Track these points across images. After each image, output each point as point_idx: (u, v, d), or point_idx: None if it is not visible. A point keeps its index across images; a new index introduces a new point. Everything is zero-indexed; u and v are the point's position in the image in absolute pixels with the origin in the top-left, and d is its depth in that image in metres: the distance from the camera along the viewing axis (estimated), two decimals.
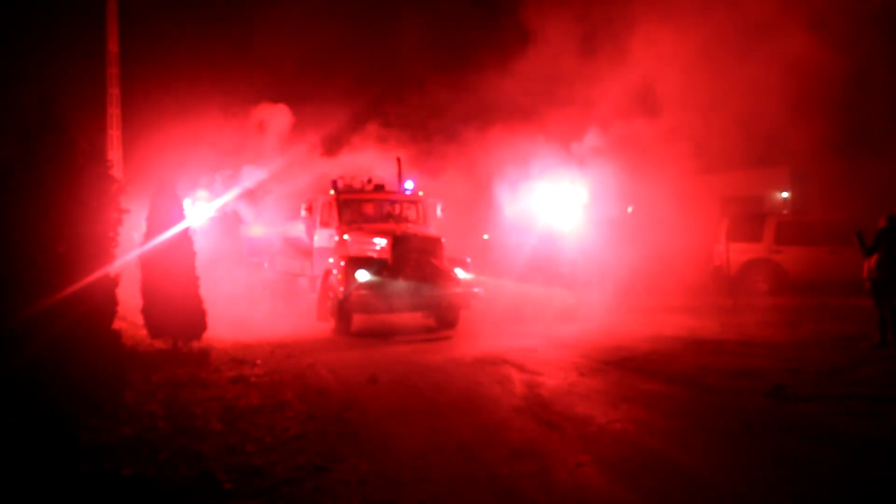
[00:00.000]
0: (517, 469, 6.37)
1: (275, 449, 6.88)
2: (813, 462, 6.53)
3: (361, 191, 17.03)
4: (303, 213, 16.93)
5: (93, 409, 7.29)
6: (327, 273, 15.27)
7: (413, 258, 14.69)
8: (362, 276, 14.28)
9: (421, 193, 17.20)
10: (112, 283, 7.82)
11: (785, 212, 24.69)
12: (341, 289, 14.42)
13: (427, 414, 8.27)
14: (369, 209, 16.83)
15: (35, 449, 6.39)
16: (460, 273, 15.19)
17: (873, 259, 12.04)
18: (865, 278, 12.20)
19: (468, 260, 15.61)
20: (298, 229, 17.65)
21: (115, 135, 20.82)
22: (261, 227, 19.54)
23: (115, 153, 20.29)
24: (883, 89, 16.45)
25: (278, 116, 21.27)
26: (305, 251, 17.25)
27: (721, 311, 16.17)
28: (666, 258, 18.51)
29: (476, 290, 15.40)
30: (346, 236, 15.77)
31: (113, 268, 7.97)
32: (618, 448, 6.95)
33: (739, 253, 19.69)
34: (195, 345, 11.76)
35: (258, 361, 11.27)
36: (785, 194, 27.25)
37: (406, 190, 17.14)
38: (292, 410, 8.28)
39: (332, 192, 16.58)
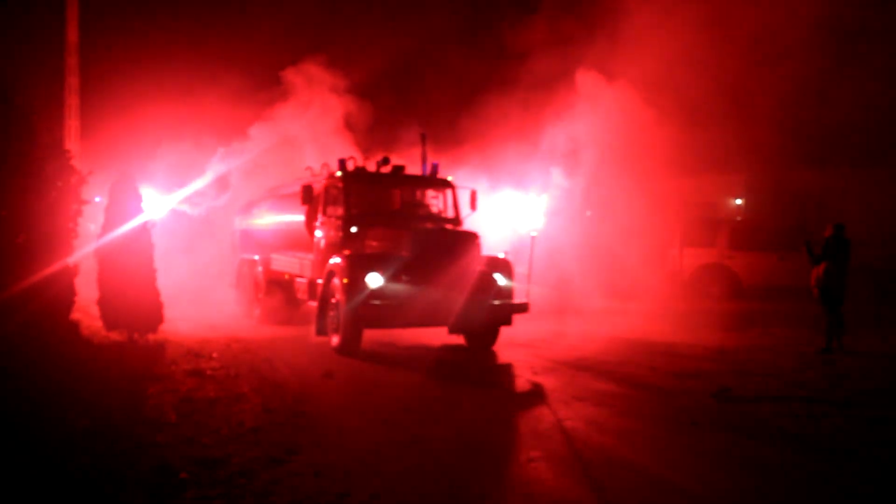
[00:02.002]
0: (470, 463, 6.52)
1: (231, 441, 6.94)
2: (754, 459, 6.77)
3: (376, 173, 13.73)
4: (301, 199, 13.29)
5: (49, 400, 7.29)
6: (330, 275, 12.09)
7: (441, 259, 11.63)
8: (375, 280, 11.35)
9: (451, 178, 14.02)
10: (70, 275, 7.84)
11: (738, 218, 25.15)
12: (348, 296, 11.42)
13: (381, 408, 8.39)
14: (386, 196, 13.87)
15: None
16: (500, 279, 12.23)
17: (821, 267, 12.39)
18: (813, 286, 12.54)
19: (510, 261, 12.60)
20: (297, 221, 14.30)
21: (73, 125, 20.62)
22: (256, 218, 16.93)
23: (73, 144, 20.10)
24: (835, 101, 16.85)
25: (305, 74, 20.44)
26: (304, 247, 14.11)
27: (673, 315, 16.48)
28: (622, 261, 18.79)
29: (521, 301, 12.54)
30: (354, 229, 12.64)
31: (71, 259, 7.98)
32: (568, 444, 7.13)
33: (693, 257, 20.08)
34: (151, 337, 11.76)
35: (214, 355, 11.28)
36: (739, 201, 27.75)
37: (432, 174, 13.91)
38: (248, 403, 8.34)
39: (338, 173, 13.30)
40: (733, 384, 9.66)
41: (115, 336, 11.61)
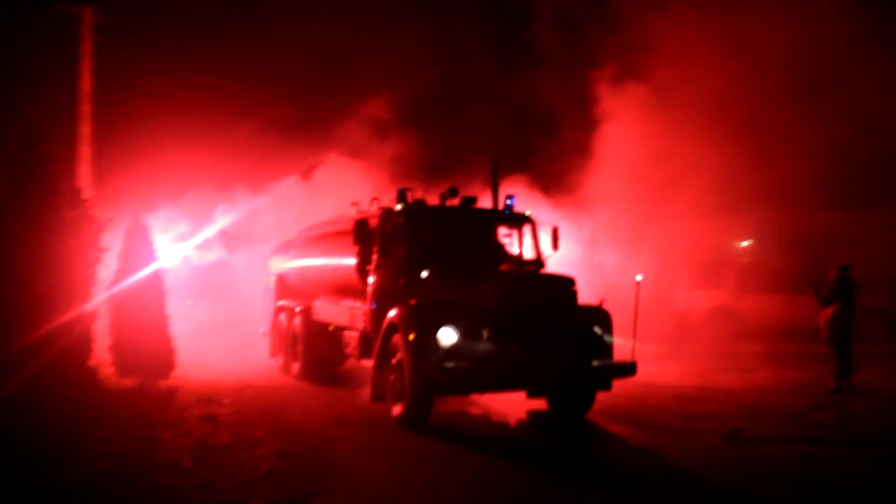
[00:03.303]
0: None
1: (248, 485, 7.01)
2: (767, 501, 6.80)
3: (443, 207, 11.71)
4: (354, 238, 11.18)
5: (69, 444, 7.37)
6: (391, 330, 10.04)
7: (531, 310, 9.81)
8: (449, 336, 9.36)
9: (529, 213, 12.02)
10: (88, 322, 7.96)
11: (745, 260, 25.18)
12: (415, 356, 9.38)
13: (396, 452, 8.44)
14: (454, 234, 11.58)
15: (11, 485, 6.47)
16: (599, 333, 10.39)
17: (829, 309, 12.45)
18: (822, 327, 12.59)
19: (608, 312, 10.64)
20: (346, 264, 12.09)
21: (85, 172, 20.88)
22: (295, 260, 14.96)
23: (86, 192, 20.31)
24: (846, 141, 17.00)
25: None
26: (355, 294, 11.94)
27: (683, 357, 16.49)
28: (633, 304, 18.78)
29: (625, 361, 10.33)
30: (424, 274, 10.51)
31: (89, 306, 8.10)
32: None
33: (701, 300, 20.10)
34: (163, 383, 11.84)
35: (226, 401, 11.33)
36: (746, 243, 27.79)
37: (507, 208, 11.88)
38: (263, 448, 8.40)
39: (398, 207, 11.27)
40: (745, 426, 9.69)
41: (127, 382, 11.69)
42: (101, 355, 12.41)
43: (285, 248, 15.87)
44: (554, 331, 9.77)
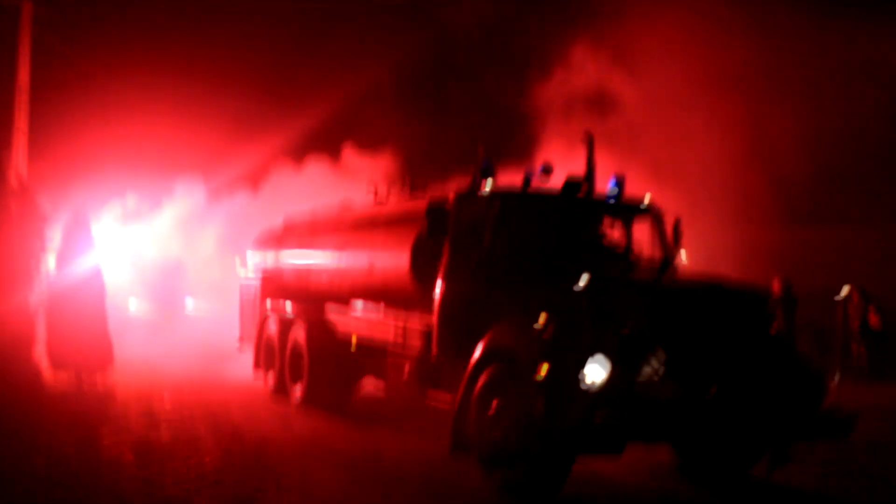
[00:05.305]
0: None
1: (192, 483, 6.86)
2: None
3: (544, 193, 8.80)
4: (428, 230, 8.29)
5: (5, 442, 7.15)
6: (490, 356, 7.21)
7: (709, 334, 7.07)
8: (598, 370, 6.38)
9: (647, 200, 8.94)
10: (32, 315, 7.75)
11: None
12: (549, 402, 6.40)
13: (343, 454, 8.35)
14: (558, 228, 8.74)
15: None
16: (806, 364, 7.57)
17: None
18: None
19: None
20: (391, 263, 9.16)
21: (21, 164, 20.36)
22: (298, 255, 11.82)
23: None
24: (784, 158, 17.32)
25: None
26: (404, 301, 9.08)
27: None
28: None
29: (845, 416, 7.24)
30: (582, 282, 6.94)
31: (34, 299, 7.89)
32: None
33: None
34: (100, 379, 11.59)
35: (165, 397, 11.13)
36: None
37: (610, 196, 8.76)
38: (207, 446, 8.26)
39: (485, 189, 8.36)
40: None
41: (62, 376, 11.39)
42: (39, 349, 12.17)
43: (275, 240, 12.86)
44: (739, 362, 7.03)
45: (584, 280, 6.89)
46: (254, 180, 21.21)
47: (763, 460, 7.39)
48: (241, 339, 13.35)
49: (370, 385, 10.36)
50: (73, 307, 11.24)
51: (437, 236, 8.31)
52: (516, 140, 17.66)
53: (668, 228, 8.84)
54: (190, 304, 19.69)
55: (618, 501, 7.16)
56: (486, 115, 22.20)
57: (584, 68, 17.46)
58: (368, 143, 20.41)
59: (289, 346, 11.31)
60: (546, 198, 8.80)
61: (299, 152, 21.08)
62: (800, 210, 20.39)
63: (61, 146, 21.59)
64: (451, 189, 8.90)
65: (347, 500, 6.61)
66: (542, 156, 14.17)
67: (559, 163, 8.70)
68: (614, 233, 8.97)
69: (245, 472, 7.30)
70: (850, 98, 17.17)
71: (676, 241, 8.84)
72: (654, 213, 8.92)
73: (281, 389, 11.46)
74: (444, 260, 8.32)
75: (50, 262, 11.43)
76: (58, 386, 11.06)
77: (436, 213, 8.25)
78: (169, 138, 21.83)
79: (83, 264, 11.49)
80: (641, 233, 8.85)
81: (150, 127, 22.01)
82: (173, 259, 20.21)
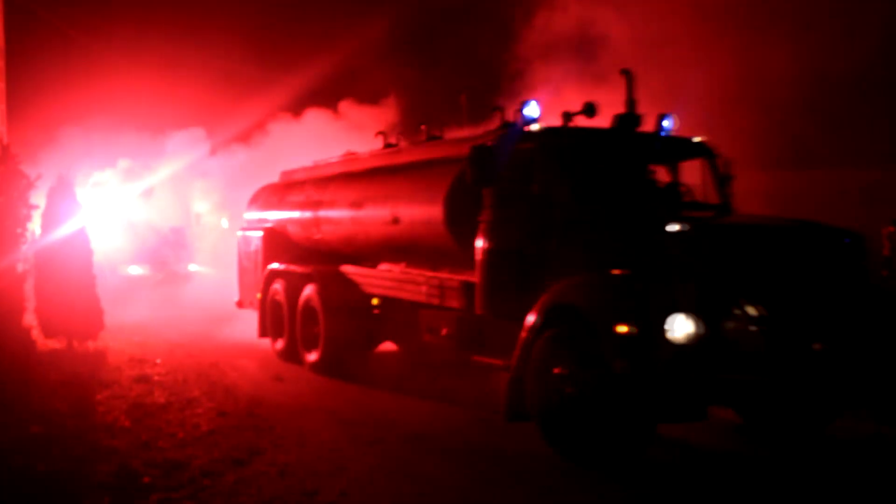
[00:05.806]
0: (430, 461, 6.60)
1: (189, 444, 6.93)
2: None
3: (603, 130, 7.94)
4: (471, 176, 7.47)
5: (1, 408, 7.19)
6: (553, 311, 6.58)
7: (810, 282, 6.35)
8: (688, 325, 5.75)
9: (698, 140, 8.28)
10: (20, 280, 7.73)
11: None
12: (627, 359, 5.82)
13: (337, 410, 8.42)
14: (619, 168, 7.99)
15: None
16: None
17: None
18: None
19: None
20: (422, 214, 8.50)
21: (1, 128, 20.08)
22: (299, 210, 11.42)
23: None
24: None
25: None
26: (438, 256, 8.68)
27: None
28: None
29: None
30: (677, 227, 6.37)
31: (21, 265, 7.87)
32: None
33: None
34: (91, 344, 11.60)
35: (158, 360, 11.16)
36: None
37: (664, 131, 8.18)
38: (201, 407, 8.33)
39: (532, 126, 7.64)
40: None
41: (54, 343, 11.41)
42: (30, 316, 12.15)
43: (277, 194, 12.25)
44: (862, 316, 6.31)
45: (674, 226, 6.29)
46: (249, 137, 21.02)
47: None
48: (241, 303, 13.09)
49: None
50: (60, 273, 11.22)
51: (481, 182, 7.49)
52: (511, 85, 17.39)
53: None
54: (191, 266, 19.65)
55: (697, 466, 6.69)
56: (479, 62, 21.88)
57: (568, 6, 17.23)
58: (366, 96, 20.24)
59: (300, 308, 10.76)
60: (605, 133, 7.89)
61: (295, 107, 20.86)
62: (792, 153, 20.36)
63: (44, 109, 21.31)
64: (487, 132, 8.14)
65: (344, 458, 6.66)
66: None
67: (550, 106, 7.89)
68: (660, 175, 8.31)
69: (241, 433, 7.36)
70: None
71: (727, 183, 8.18)
72: (707, 152, 8.20)
73: (292, 355, 11.03)
74: (488, 209, 7.67)
75: (35, 226, 11.39)
76: (50, 352, 11.07)
77: (481, 155, 7.37)
78: (157, 96, 21.57)
79: (69, 229, 11.46)
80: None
81: (136, 84, 21.72)
82: (170, 220, 20.14)
